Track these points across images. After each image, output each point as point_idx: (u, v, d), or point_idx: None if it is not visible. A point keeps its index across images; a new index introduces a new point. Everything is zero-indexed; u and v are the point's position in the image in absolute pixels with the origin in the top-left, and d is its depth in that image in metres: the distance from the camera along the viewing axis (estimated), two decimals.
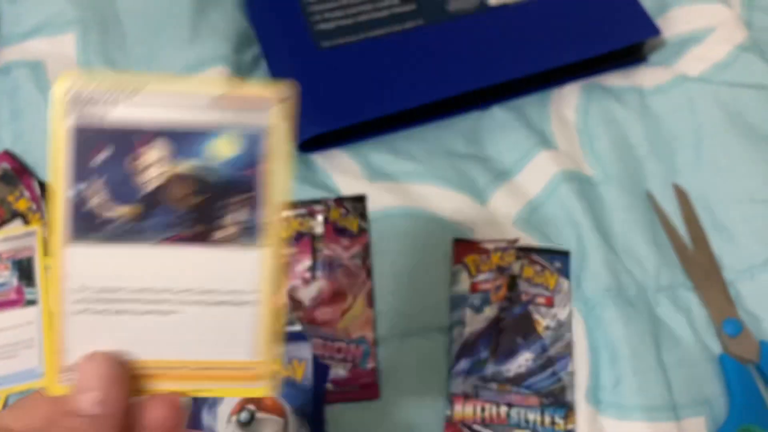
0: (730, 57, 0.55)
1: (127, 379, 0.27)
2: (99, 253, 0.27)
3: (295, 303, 0.47)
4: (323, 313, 0.47)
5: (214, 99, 0.26)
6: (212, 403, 0.44)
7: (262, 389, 0.28)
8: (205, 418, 0.43)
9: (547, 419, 0.44)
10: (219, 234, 0.27)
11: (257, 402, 0.43)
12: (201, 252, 0.27)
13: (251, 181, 0.27)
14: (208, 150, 0.26)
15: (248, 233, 0.27)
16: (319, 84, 0.52)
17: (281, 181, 0.27)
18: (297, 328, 0.46)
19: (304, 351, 0.45)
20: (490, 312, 0.46)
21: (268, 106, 0.26)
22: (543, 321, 0.46)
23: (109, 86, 0.26)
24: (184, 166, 0.26)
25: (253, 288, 0.28)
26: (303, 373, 0.44)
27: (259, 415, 0.43)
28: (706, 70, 0.55)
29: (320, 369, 0.45)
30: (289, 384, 0.44)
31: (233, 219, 0.27)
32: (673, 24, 0.58)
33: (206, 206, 0.27)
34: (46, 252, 0.47)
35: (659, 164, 0.53)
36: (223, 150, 0.27)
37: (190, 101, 0.26)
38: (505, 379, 0.45)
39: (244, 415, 0.43)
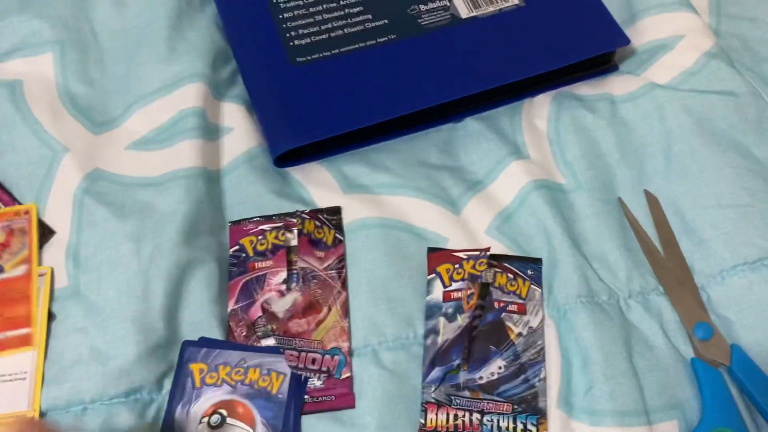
0: (698, 64, 0.56)
1: None
2: None
3: (269, 316, 0.47)
4: (297, 325, 0.47)
5: None
6: (186, 401, 0.44)
7: None
8: (178, 414, 0.43)
9: (520, 426, 0.44)
10: None
11: (230, 407, 0.44)
12: None
13: None
14: None
15: None
16: (294, 99, 0.53)
17: None
18: (271, 342, 0.46)
19: (285, 366, 0.45)
20: (462, 320, 0.47)
21: None
22: (515, 328, 0.47)
23: None
24: None
25: None
26: (279, 386, 0.45)
27: (230, 420, 0.43)
28: (675, 77, 0.56)
29: (299, 381, 0.45)
30: (264, 396, 0.45)
31: None
32: (642, 33, 0.58)
33: None
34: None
35: (630, 171, 0.53)
36: None
37: None
38: (477, 387, 0.45)
39: (214, 418, 0.43)
